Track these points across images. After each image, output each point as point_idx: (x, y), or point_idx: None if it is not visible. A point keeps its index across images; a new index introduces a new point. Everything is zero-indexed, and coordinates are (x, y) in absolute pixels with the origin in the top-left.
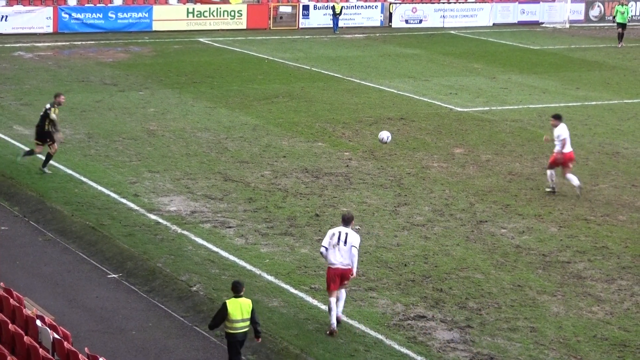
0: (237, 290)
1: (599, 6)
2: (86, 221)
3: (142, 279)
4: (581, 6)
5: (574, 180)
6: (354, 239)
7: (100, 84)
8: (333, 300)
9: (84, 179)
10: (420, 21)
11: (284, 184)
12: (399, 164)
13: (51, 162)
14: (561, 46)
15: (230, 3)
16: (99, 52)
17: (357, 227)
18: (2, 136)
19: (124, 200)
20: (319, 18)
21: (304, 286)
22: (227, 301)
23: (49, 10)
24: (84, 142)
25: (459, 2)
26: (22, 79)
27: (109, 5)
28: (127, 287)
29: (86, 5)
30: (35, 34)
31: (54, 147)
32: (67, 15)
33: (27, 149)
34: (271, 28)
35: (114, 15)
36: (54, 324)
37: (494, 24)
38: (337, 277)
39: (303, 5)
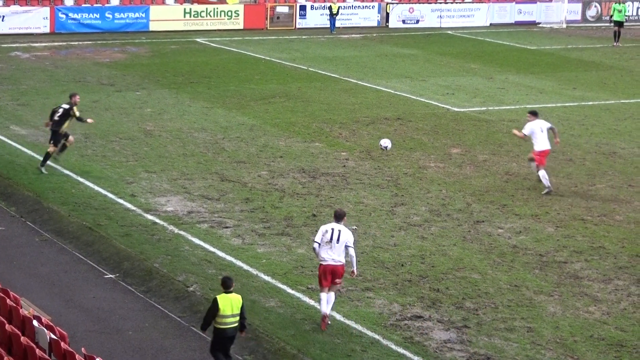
0: (227, 285)
1: (595, 6)
2: (83, 221)
3: (138, 279)
4: (578, 6)
5: (544, 179)
6: (348, 237)
7: (97, 84)
8: (324, 294)
9: (81, 179)
10: (417, 21)
11: (281, 184)
12: (395, 164)
13: (48, 162)
14: (558, 46)
15: (227, 3)
16: (95, 53)
17: (354, 227)
18: None
19: (120, 201)
20: (316, 18)
21: (301, 286)
22: (218, 297)
23: (45, 11)
24: (81, 142)
25: (456, 2)
26: (19, 79)
27: (106, 5)
28: (124, 288)
29: (83, 5)
30: (32, 34)
31: (53, 148)
32: (64, 16)
33: (41, 159)
34: (268, 28)
35: (110, 16)
36: (51, 324)
37: (490, 24)
38: (329, 274)
39: (300, 6)
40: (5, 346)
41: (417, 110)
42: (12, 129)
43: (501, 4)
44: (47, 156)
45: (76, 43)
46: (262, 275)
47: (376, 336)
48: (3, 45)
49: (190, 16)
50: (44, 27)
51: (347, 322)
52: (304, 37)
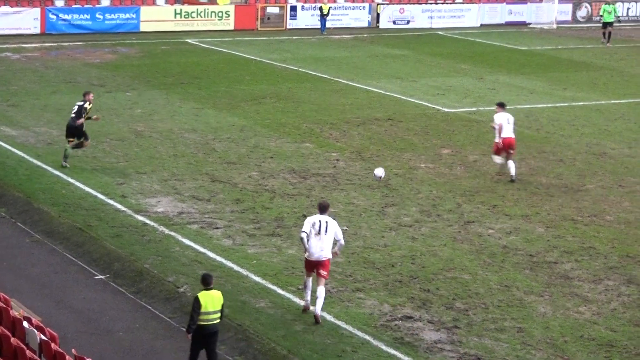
0: (207, 282)
1: (586, 7)
2: (73, 222)
3: (129, 280)
4: (568, 7)
5: (512, 169)
6: (336, 228)
7: (88, 85)
8: (309, 279)
9: (71, 180)
10: (408, 22)
11: (272, 185)
12: (386, 164)
13: (39, 163)
14: (548, 47)
15: (217, 4)
16: (86, 53)
17: (345, 227)
18: None
19: (111, 202)
20: (307, 19)
21: (291, 287)
22: (199, 294)
23: (36, 11)
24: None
25: (447, 3)
26: (9, 80)
27: (97, 6)
28: (114, 289)
29: (73, 6)
30: (22, 35)
31: (87, 143)
32: (54, 16)
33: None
34: (259, 29)
35: (101, 16)
36: (41, 325)
37: (481, 25)
38: (313, 267)
39: (291, 6)
40: None
41: (408, 110)
42: (2, 130)
43: (492, 5)
44: (80, 145)
45: (67, 44)
46: (252, 276)
47: (367, 337)
48: None
49: (180, 17)
50: (35, 28)
51: (338, 322)
52: (294, 37)
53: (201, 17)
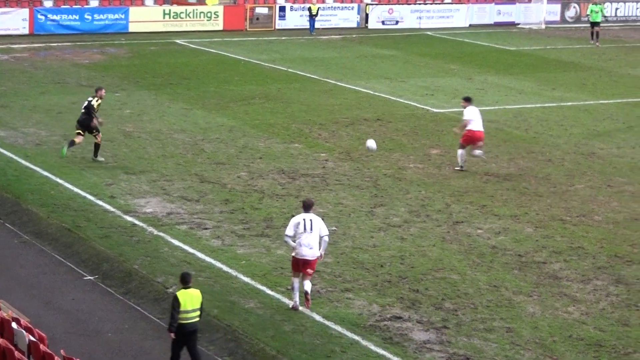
0: (185, 281)
1: (574, 7)
2: (62, 223)
3: (118, 281)
4: (557, 7)
5: (478, 152)
6: (321, 224)
7: (77, 85)
8: (297, 280)
9: (60, 181)
10: (397, 22)
11: (261, 185)
12: (375, 165)
13: (28, 164)
14: (537, 47)
15: (206, 4)
16: (75, 54)
17: (334, 228)
18: None
19: (100, 202)
20: (296, 19)
21: (280, 287)
22: (177, 293)
23: (24, 12)
24: (60, 144)
25: (435, 3)
26: None
27: (85, 6)
28: (103, 289)
29: (62, 6)
30: (10, 36)
31: (99, 137)
32: (43, 17)
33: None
34: (247, 29)
35: (90, 17)
36: (30, 326)
37: (470, 25)
38: (301, 265)
39: (279, 7)
40: None
41: (397, 111)
42: None
43: (480, 5)
44: (97, 146)
45: (55, 44)
46: (241, 276)
47: (356, 337)
48: None
49: (169, 17)
50: (23, 28)
51: (327, 323)
52: (283, 38)
53: (190, 17)
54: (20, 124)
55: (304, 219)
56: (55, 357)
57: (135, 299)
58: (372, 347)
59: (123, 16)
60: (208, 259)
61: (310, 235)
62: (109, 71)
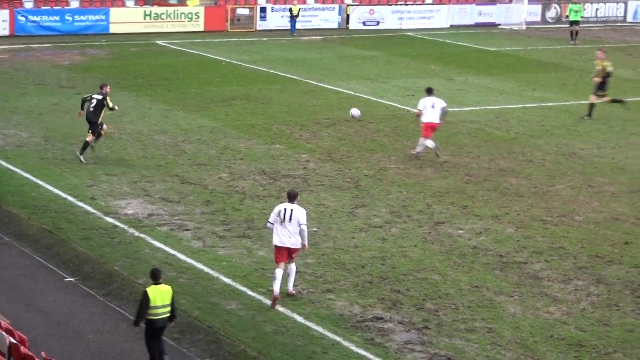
0: (156, 277)
1: (555, 7)
2: (43, 225)
3: (99, 283)
4: (538, 7)
5: (420, 146)
6: (300, 214)
7: (57, 86)
8: (279, 271)
9: (41, 183)
10: (378, 23)
11: (242, 186)
12: (356, 165)
13: (8, 166)
14: (518, 47)
15: (187, 5)
16: (55, 55)
17: (315, 229)
18: None
19: (80, 204)
20: (277, 20)
21: (262, 288)
22: (147, 289)
23: (4, 13)
24: (41, 145)
25: (416, 4)
26: None
27: (66, 7)
28: (84, 291)
29: (43, 7)
30: None
31: (91, 137)
32: (23, 18)
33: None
34: (228, 30)
35: (70, 18)
36: (10, 328)
37: (451, 26)
38: (284, 254)
39: (260, 7)
40: None
41: (378, 111)
42: None
43: (461, 6)
44: (86, 145)
45: (36, 45)
46: (222, 277)
47: (337, 338)
48: None
49: (150, 18)
50: (3, 29)
51: (308, 323)
52: (264, 39)
53: (171, 18)
54: (0, 125)
55: (284, 208)
56: (36, 359)
57: (116, 300)
58: (354, 348)
59: (104, 17)
60: (189, 260)
61: (288, 225)
62: (90, 72)
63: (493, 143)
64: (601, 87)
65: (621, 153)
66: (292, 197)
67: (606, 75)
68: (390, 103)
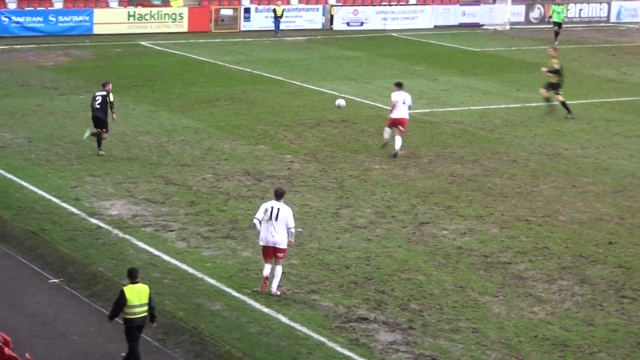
0: (133, 276)
1: (539, 8)
2: (27, 226)
3: (83, 284)
4: (521, 8)
5: (397, 144)
6: (288, 214)
7: (41, 87)
8: (268, 265)
9: (25, 184)
10: (362, 24)
11: (226, 187)
12: (340, 166)
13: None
14: (502, 48)
15: (171, 6)
16: (39, 56)
17: (300, 229)
18: None
19: (65, 205)
20: (261, 21)
21: (246, 289)
22: (124, 288)
23: None
24: (25, 147)
25: (400, 5)
26: None
27: (49, 8)
28: (69, 292)
29: (26, 8)
30: None
31: (105, 135)
32: (6, 19)
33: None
34: (212, 31)
35: (54, 19)
36: None
37: (435, 26)
38: (271, 252)
39: (244, 8)
40: None
41: (362, 112)
42: None
43: (445, 6)
44: (100, 141)
45: (19, 46)
46: (207, 278)
47: (322, 338)
48: None
49: (134, 19)
50: None
51: (293, 324)
52: (248, 39)
53: (155, 19)
54: None
55: (272, 207)
56: None
57: (100, 301)
58: (338, 349)
59: (87, 18)
60: (173, 261)
61: (275, 223)
62: (74, 73)
63: (477, 143)
64: (557, 87)
65: (605, 153)
66: (279, 196)
67: (554, 72)
68: (374, 103)
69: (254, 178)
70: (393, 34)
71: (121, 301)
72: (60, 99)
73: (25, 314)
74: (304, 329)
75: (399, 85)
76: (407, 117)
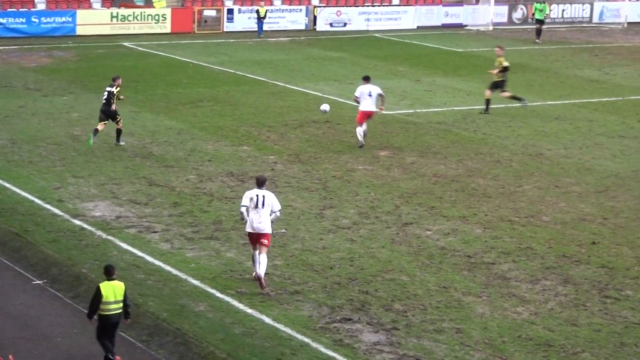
0: (109, 273)
1: (522, 9)
2: (10, 227)
3: (67, 285)
4: (504, 9)
5: (358, 130)
6: (273, 200)
7: (24, 89)
8: (256, 252)
9: (8, 185)
10: (345, 24)
11: (210, 188)
12: (324, 167)
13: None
14: (485, 48)
15: (154, 7)
16: (22, 57)
17: (283, 230)
18: None
19: (48, 206)
20: (244, 22)
21: (230, 290)
22: (100, 284)
23: None
24: (7, 148)
25: (383, 5)
26: None
27: (32, 9)
28: (52, 294)
29: (9, 9)
30: None
31: (120, 123)
32: None
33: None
34: (196, 32)
35: (37, 20)
36: None
37: (418, 27)
38: (255, 240)
39: (227, 9)
40: None
41: (345, 113)
42: None
43: (428, 7)
44: (119, 132)
45: (2, 48)
46: (190, 279)
47: (305, 339)
48: None
49: (117, 20)
50: None
51: (276, 325)
52: (231, 40)
53: (138, 20)
54: None
55: (256, 195)
56: None
57: (84, 303)
58: (322, 349)
59: (70, 19)
60: (157, 262)
61: (261, 210)
62: (57, 74)
63: (460, 144)
64: (502, 85)
65: (588, 153)
66: (260, 183)
67: (503, 70)
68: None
69: (238, 179)
70: (376, 35)
71: (97, 297)
72: (43, 100)
73: (9, 315)
74: (288, 330)
75: (366, 79)
76: (373, 109)
